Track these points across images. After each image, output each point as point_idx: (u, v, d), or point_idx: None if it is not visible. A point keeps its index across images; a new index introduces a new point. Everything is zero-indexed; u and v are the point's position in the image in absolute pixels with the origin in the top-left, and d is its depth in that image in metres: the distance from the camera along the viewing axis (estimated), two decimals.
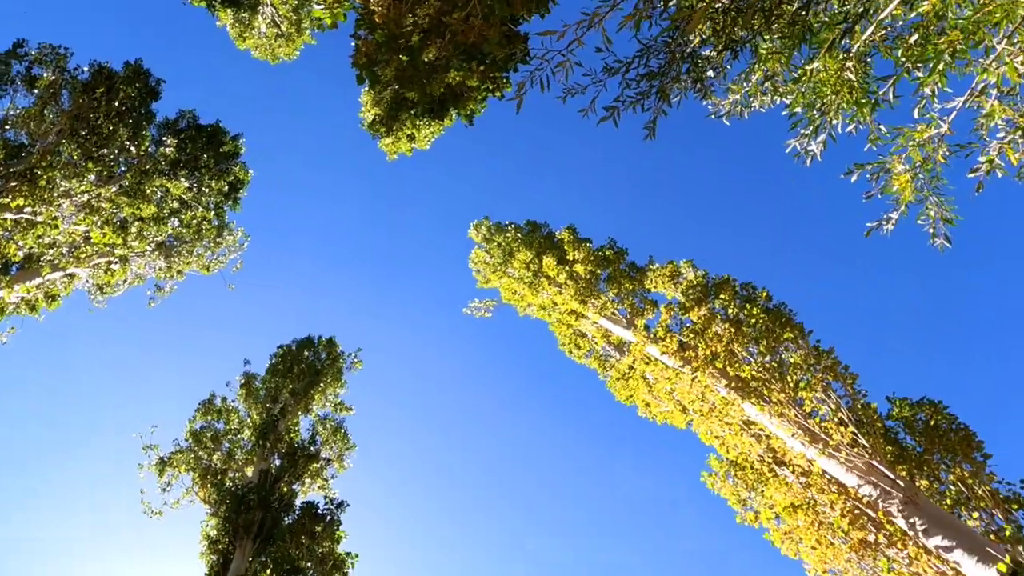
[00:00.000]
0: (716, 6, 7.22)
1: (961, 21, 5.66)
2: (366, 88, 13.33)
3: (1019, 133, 5.69)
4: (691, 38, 7.61)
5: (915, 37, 6.41)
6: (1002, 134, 5.96)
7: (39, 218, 11.21)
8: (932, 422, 8.46)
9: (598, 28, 6.95)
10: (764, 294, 10.49)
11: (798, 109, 7.80)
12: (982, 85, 5.97)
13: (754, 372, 9.62)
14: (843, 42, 7.13)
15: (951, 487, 8.18)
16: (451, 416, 37.64)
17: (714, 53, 7.85)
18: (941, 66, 6.07)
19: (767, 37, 7.33)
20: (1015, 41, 5.36)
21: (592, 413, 35.00)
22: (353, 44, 9.64)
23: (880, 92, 7.00)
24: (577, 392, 35.53)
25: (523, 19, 8.86)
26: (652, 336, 11.88)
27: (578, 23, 6.42)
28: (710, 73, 8.29)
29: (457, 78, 10.38)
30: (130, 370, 35.31)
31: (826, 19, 6.78)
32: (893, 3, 6.21)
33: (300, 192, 37.56)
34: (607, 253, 13.94)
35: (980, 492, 7.89)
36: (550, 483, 34.77)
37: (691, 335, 10.80)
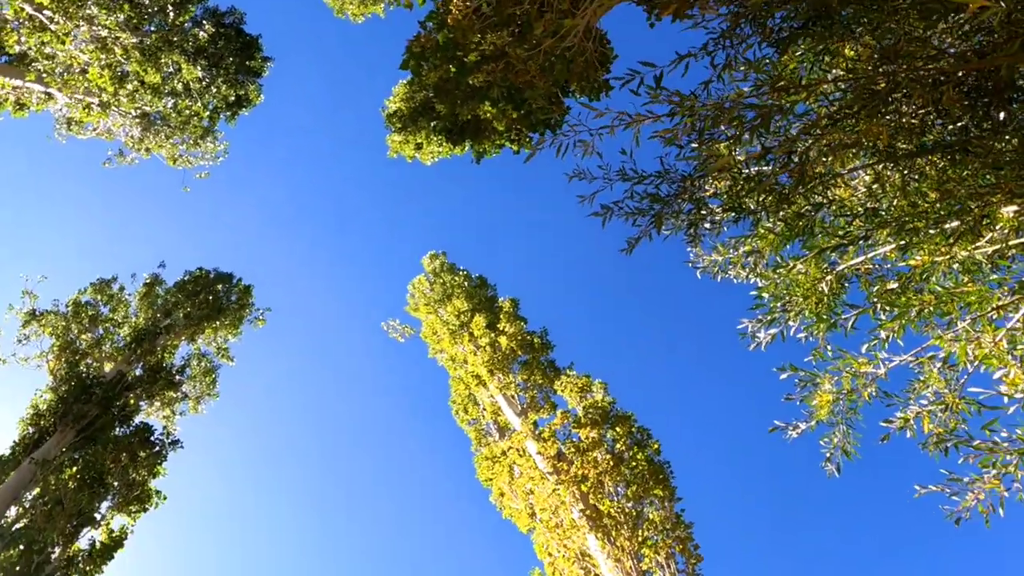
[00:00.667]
0: (743, 171, 7.51)
1: (940, 289, 5.99)
2: (405, 81, 13.40)
3: (941, 407, 5.97)
4: (707, 185, 7.87)
5: (895, 285, 6.76)
6: (926, 402, 6.24)
7: (53, 26, 10.78)
8: None
9: (634, 129, 7.14)
10: (656, 446, 10.61)
11: (766, 295, 8.08)
12: (931, 353, 6.28)
13: (612, 510, 9.61)
14: (833, 256, 7.48)
15: None
16: (325, 417, 36.45)
17: (719, 209, 8.11)
18: (905, 320, 6.40)
19: (772, 218, 7.62)
20: (977, 328, 5.69)
21: (453, 470, 34.32)
22: (417, 31, 9.67)
23: (842, 317, 7.32)
24: (446, 447, 34.87)
25: (573, 92, 9.08)
26: (537, 434, 11.82)
27: (620, 113, 6.56)
28: (707, 225, 8.54)
29: (488, 113, 10.50)
30: (55, 217, 33.59)
31: (828, 228, 7.10)
32: (891, 246, 6.57)
33: (291, 138, 37.09)
34: (535, 340, 13.97)
35: None
36: (392, 519, 33.63)
37: (572, 450, 10.78)
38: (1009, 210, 5.30)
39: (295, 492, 34.86)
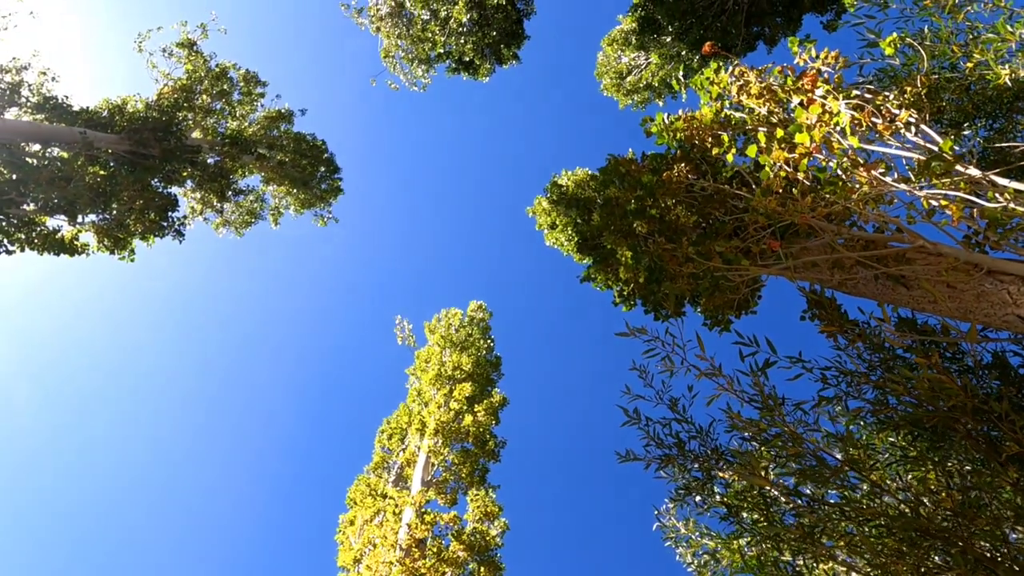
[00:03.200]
0: (767, 491, 7.47)
1: None
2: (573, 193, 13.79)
3: None
4: (727, 471, 7.84)
5: None
6: None
7: None
8: None
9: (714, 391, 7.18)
10: None
11: None
12: None
13: None
14: None
15: None
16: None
17: (719, 497, 8.01)
18: None
19: (752, 542, 7.51)
20: None
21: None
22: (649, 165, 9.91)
23: None
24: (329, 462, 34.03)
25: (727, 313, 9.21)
26: (421, 511, 11.56)
27: (710, 371, 6.62)
28: (698, 498, 8.42)
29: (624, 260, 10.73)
30: None
31: None
32: None
33: None
34: (490, 443, 13.84)
35: None
36: None
37: (435, 550, 10.53)
38: None
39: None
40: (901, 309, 6.37)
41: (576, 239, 13.69)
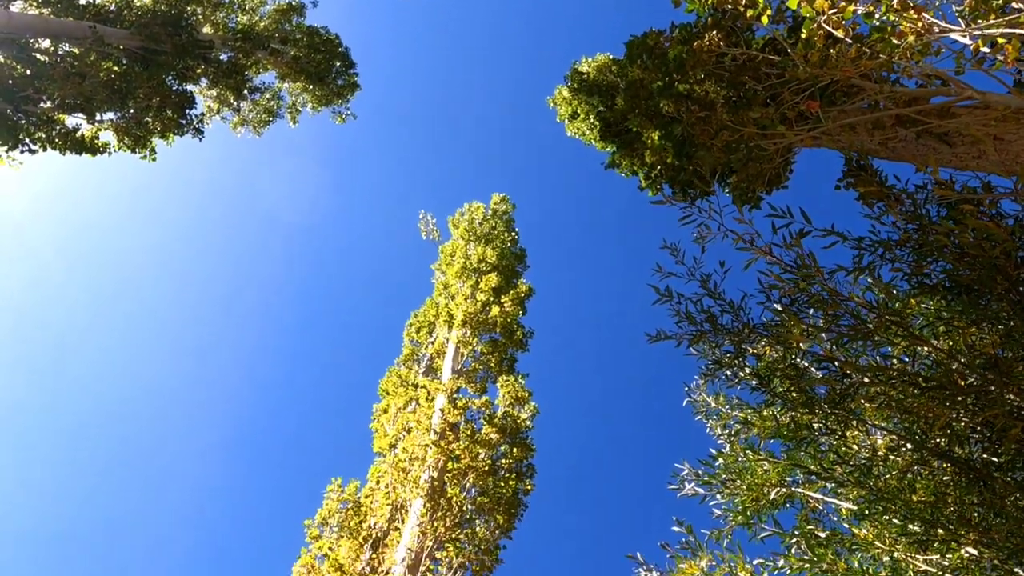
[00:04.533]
0: (798, 358, 7.50)
1: (856, 566, 6.03)
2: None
3: None
4: (760, 343, 7.86)
5: (824, 534, 6.80)
6: None
7: None
8: None
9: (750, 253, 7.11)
10: (529, 487, 10.68)
11: (720, 461, 8.11)
12: None
13: (455, 497, 9.69)
14: (797, 476, 7.52)
15: None
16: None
17: (749, 371, 8.06)
18: (808, 568, 6.44)
19: (782, 411, 7.61)
20: None
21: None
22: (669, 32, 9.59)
23: (761, 526, 7.38)
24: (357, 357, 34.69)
25: (732, 184, 9.11)
26: (453, 396, 11.83)
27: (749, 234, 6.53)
28: (728, 373, 8.45)
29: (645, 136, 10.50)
30: None
31: (815, 454, 7.11)
32: (852, 506, 6.60)
33: None
34: (518, 333, 14.05)
35: None
36: None
37: (468, 432, 10.83)
38: (969, 550, 5.34)
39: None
40: (942, 171, 6.21)
41: (599, 126, 13.42)
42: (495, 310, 13.69)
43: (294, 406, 32.21)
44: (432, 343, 14.67)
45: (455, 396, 11.69)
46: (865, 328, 5.34)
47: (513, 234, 16.93)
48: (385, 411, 12.56)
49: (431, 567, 9.27)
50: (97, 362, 29.29)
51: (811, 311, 6.58)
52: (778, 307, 6.69)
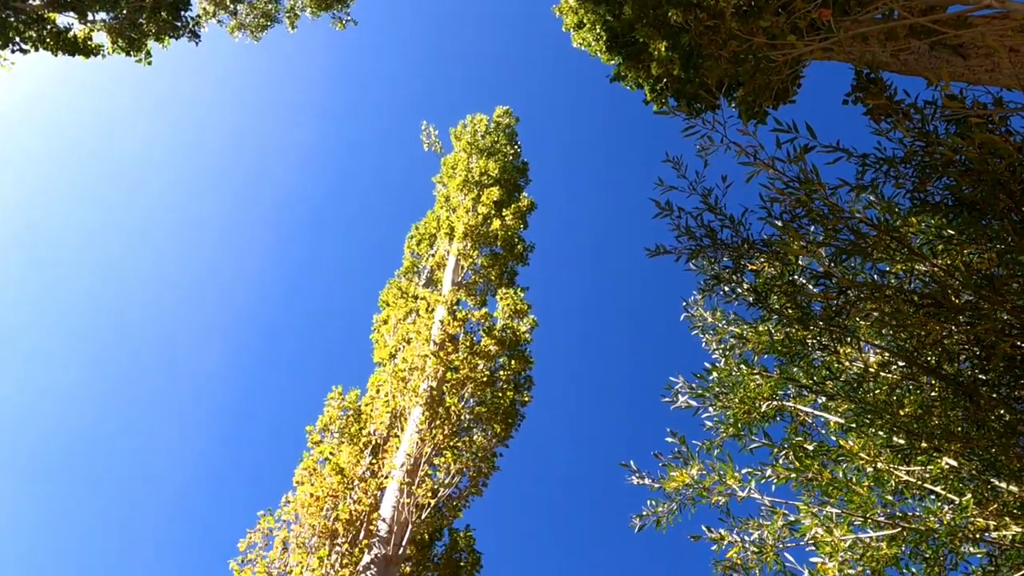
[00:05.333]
0: (794, 274, 7.51)
1: (841, 476, 6.22)
2: None
3: (756, 550, 6.30)
4: (758, 258, 7.87)
5: (812, 447, 6.99)
6: (748, 540, 6.57)
7: None
8: None
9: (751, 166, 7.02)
10: (527, 399, 10.92)
11: (714, 375, 8.23)
12: (788, 514, 6.56)
13: (453, 407, 9.93)
14: (789, 390, 7.67)
15: None
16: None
17: (746, 287, 8.09)
18: (793, 477, 6.65)
19: (776, 327, 7.70)
20: (837, 522, 5.94)
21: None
22: None
23: (751, 437, 7.56)
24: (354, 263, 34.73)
25: (734, 95, 8.93)
26: (453, 308, 11.94)
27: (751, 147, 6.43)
28: (725, 288, 8.47)
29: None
30: None
31: (809, 370, 7.23)
32: (840, 420, 6.76)
33: None
34: (519, 247, 14.04)
35: None
36: None
37: (467, 344, 10.98)
38: (949, 462, 5.50)
39: None
40: (953, 85, 6.07)
41: (605, 37, 13.05)
42: (496, 223, 13.66)
43: (295, 318, 32.57)
44: (433, 255, 14.71)
45: (455, 308, 11.80)
46: (864, 243, 5.33)
47: (516, 147, 16.72)
48: (385, 322, 12.69)
49: (429, 472, 9.55)
50: (89, 266, 29.41)
51: (811, 228, 6.57)
52: (778, 223, 6.67)
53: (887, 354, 6.90)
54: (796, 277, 7.34)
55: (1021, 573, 6.04)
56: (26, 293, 27.48)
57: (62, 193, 29.11)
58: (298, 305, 32.86)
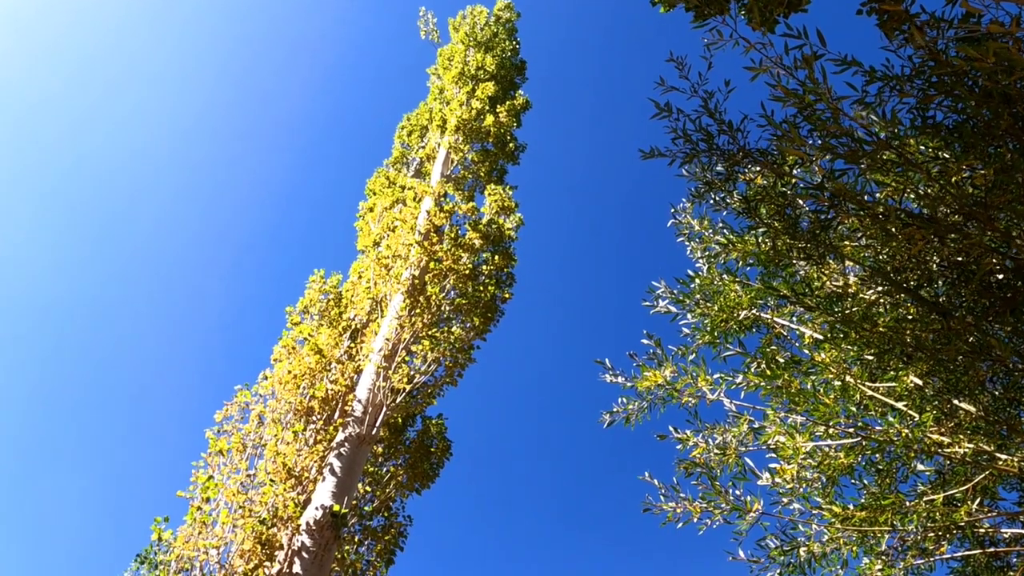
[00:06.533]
0: (786, 185, 7.47)
1: (808, 388, 6.37)
2: None
3: (719, 450, 6.50)
4: (752, 167, 7.79)
5: (783, 359, 7.12)
6: (712, 443, 6.78)
7: None
8: None
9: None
10: (508, 296, 10.99)
11: (697, 282, 8.29)
12: (755, 421, 6.74)
13: (434, 296, 9.96)
14: (767, 303, 7.77)
15: None
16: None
17: (736, 197, 8.04)
18: (762, 385, 6.81)
19: (762, 238, 7.69)
20: (800, 429, 6.13)
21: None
22: None
23: (726, 345, 7.68)
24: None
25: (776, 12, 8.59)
26: (440, 200, 11.82)
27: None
28: (716, 197, 8.41)
29: None
30: None
31: (790, 283, 7.29)
32: (816, 334, 6.87)
33: None
34: (511, 144, 13.75)
35: None
36: None
37: (452, 236, 10.95)
38: (914, 380, 5.65)
39: None
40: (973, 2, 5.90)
41: None
42: (489, 119, 13.38)
43: (278, 203, 32.23)
44: (423, 148, 14.46)
45: (442, 200, 11.70)
46: (861, 151, 5.28)
47: (515, 44, 16.21)
48: (371, 210, 12.57)
49: (406, 358, 9.67)
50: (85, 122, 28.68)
51: (809, 142, 6.50)
52: (780, 129, 6.61)
53: (868, 273, 6.98)
54: (787, 190, 7.33)
55: (966, 487, 6.31)
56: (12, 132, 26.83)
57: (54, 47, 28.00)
58: (282, 191, 32.48)
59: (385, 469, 10.28)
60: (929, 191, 5.91)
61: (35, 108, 27.45)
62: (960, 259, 6.00)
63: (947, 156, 6.17)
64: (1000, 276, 5.83)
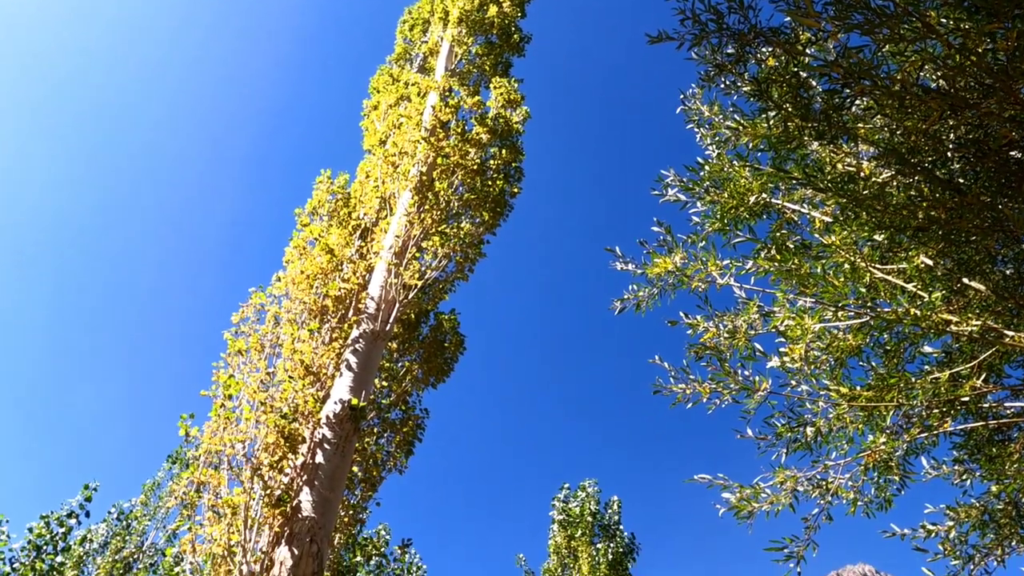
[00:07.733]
0: (799, 65, 7.25)
1: (818, 272, 6.38)
2: None
3: (729, 334, 6.59)
4: (764, 49, 7.55)
5: (793, 244, 7.12)
6: (723, 327, 6.86)
7: None
8: None
9: None
10: (516, 190, 10.90)
11: (707, 169, 8.18)
12: (765, 306, 6.80)
13: (443, 191, 9.91)
14: (777, 187, 7.68)
15: None
16: None
17: (747, 81, 7.84)
18: (772, 269, 6.83)
19: (774, 120, 7.53)
20: (810, 311, 6.18)
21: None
22: None
23: (736, 232, 7.66)
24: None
25: None
26: (445, 95, 11.56)
27: None
28: (726, 81, 8.19)
29: None
30: None
31: (803, 165, 7.18)
32: (826, 217, 6.83)
33: None
34: (515, 36, 13.28)
35: None
36: None
37: (459, 131, 10.77)
38: (925, 260, 5.65)
39: None
40: None
41: None
42: (492, 10, 12.95)
43: (284, 103, 31.76)
44: (426, 42, 14.05)
45: (447, 95, 11.45)
46: (881, 19, 5.10)
47: None
48: (375, 108, 12.36)
49: (417, 255, 9.71)
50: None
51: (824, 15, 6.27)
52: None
53: (882, 155, 6.86)
54: (800, 71, 7.13)
55: (972, 364, 6.39)
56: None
57: None
58: (287, 93, 31.93)
59: (400, 364, 10.51)
60: (949, 62, 5.71)
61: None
62: (976, 136, 5.88)
63: (970, 26, 5.95)
64: (1016, 153, 5.73)
